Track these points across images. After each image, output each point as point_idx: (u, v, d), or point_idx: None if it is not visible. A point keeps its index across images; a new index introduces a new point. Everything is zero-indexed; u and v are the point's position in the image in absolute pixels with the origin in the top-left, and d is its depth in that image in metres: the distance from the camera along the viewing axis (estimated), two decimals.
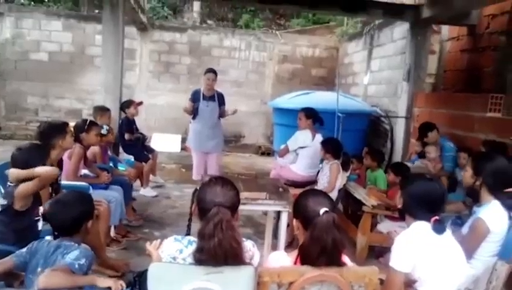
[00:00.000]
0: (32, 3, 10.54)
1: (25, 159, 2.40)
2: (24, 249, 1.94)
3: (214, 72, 5.57)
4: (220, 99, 5.64)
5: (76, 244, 1.98)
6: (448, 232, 1.98)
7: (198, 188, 1.78)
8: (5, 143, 8.21)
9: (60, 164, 3.13)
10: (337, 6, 6.42)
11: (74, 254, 1.89)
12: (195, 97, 5.61)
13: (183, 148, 9.44)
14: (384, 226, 3.83)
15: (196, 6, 11.58)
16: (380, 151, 5.35)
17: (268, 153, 9.66)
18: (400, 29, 7.11)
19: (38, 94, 9.47)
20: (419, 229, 1.97)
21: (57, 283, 1.73)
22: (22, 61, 9.28)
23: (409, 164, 4.54)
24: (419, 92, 6.19)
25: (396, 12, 6.43)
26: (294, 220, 1.79)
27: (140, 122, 6.88)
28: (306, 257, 1.66)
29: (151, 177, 5.81)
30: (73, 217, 2.03)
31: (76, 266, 1.85)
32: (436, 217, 1.93)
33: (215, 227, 1.55)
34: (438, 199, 2.04)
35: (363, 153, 5.06)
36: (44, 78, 9.35)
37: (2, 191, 2.72)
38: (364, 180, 4.81)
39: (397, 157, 6.34)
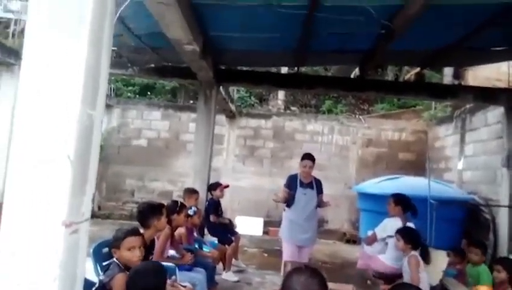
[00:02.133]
0: (137, 96, 11.95)
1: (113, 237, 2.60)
2: None
3: (312, 158, 5.00)
4: (319, 187, 5.06)
5: None
6: None
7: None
8: (103, 222, 8.84)
9: (152, 244, 3.28)
10: (424, 92, 6.37)
11: None
12: (291, 183, 5.03)
13: (265, 232, 9.42)
14: None
15: (281, 94, 12.22)
16: (483, 243, 4.81)
17: (353, 240, 9.18)
18: (494, 113, 6.74)
19: (136, 177, 10.30)
20: None
21: None
22: (125, 147, 10.32)
23: None
24: None
25: (488, 97, 6.19)
26: None
27: (225, 203, 7.09)
28: None
29: (233, 261, 5.79)
30: (147, 287, 2.12)
31: None
32: None
33: None
34: None
35: (462, 245, 4.59)
36: (142, 162, 10.21)
37: (99, 269, 2.89)
38: (465, 276, 4.31)
39: (502, 250, 5.66)
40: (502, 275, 3.56)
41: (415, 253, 3.81)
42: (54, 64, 1.70)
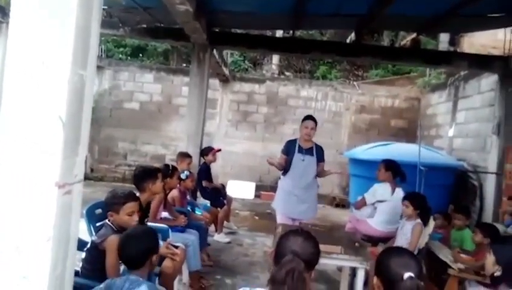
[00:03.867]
0: (129, 58, 11.73)
1: (111, 200, 2.61)
2: (102, 285, 2.05)
3: (314, 119, 4.56)
4: (319, 154, 4.58)
5: (141, 279, 2.04)
6: None
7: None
8: (96, 184, 8.90)
9: (148, 207, 3.33)
10: (420, 58, 6.32)
11: (142, 288, 1.95)
12: (289, 148, 4.56)
13: (257, 196, 9.57)
14: None
15: (275, 59, 12.06)
16: (467, 208, 4.94)
17: (343, 205, 9.38)
18: (488, 81, 6.75)
19: (128, 140, 10.28)
20: None
21: None
22: (117, 109, 10.23)
23: (500, 227, 4.12)
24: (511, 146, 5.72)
25: (483, 64, 6.17)
26: (375, 278, 1.69)
27: (217, 168, 7.15)
28: None
29: (225, 223, 5.91)
30: (139, 250, 2.13)
31: None
32: None
33: (287, 274, 1.51)
34: None
35: (449, 210, 4.70)
36: (134, 125, 10.17)
37: (92, 230, 2.93)
38: (449, 240, 4.45)
39: (487, 216, 5.82)
40: (478, 238, 3.68)
41: (420, 221, 3.83)
42: (43, 24, 1.65)
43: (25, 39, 1.66)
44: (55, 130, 1.64)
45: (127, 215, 2.56)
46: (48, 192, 1.64)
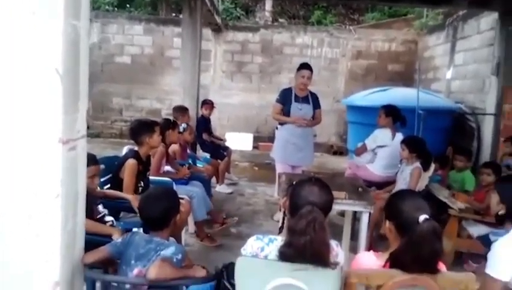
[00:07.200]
0: (116, 9, 11.28)
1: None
2: (119, 240, 2.06)
3: (309, 68, 4.51)
4: (315, 101, 4.61)
5: (167, 241, 2.04)
6: None
7: (294, 183, 1.77)
8: (93, 141, 8.85)
9: (148, 161, 3.32)
10: None
11: (171, 249, 1.96)
12: (284, 98, 4.55)
13: (255, 147, 9.60)
14: (477, 230, 3.52)
15: (268, 5, 11.66)
16: (468, 150, 4.98)
17: (340, 152, 9.45)
18: (488, 20, 6.57)
19: (122, 95, 10.12)
20: None
21: (167, 273, 1.82)
22: (108, 64, 9.98)
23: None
24: (510, 86, 5.66)
25: (483, 2, 5.97)
26: (388, 222, 1.69)
27: (214, 121, 7.08)
28: (398, 263, 1.56)
29: (225, 174, 5.96)
30: (163, 211, 2.08)
31: (175, 260, 1.93)
32: None
33: (308, 225, 1.52)
34: None
35: (447, 152, 4.74)
36: (127, 80, 9.97)
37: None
38: (446, 181, 4.52)
39: (485, 157, 5.88)
40: (491, 178, 3.67)
41: (419, 165, 3.85)
42: None
43: None
44: (53, 84, 1.58)
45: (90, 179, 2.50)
46: (52, 149, 1.61)
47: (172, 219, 2.12)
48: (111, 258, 2.06)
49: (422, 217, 1.53)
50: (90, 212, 2.49)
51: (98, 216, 2.63)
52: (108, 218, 2.67)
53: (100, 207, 2.71)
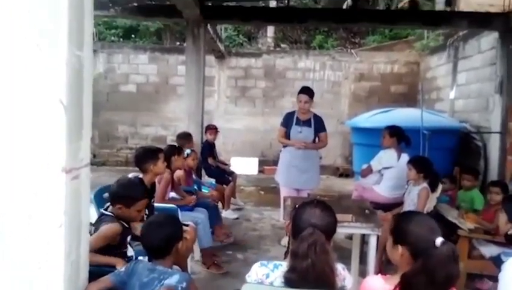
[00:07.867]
0: (121, 39, 11.52)
1: (125, 193, 2.48)
2: (122, 269, 2.03)
3: (308, 93, 4.54)
4: (318, 124, 4.62)
5: (170, 270, 1.99)
6: None
7: (297, 206, 1.74)
8: (99, 169, 8.88)
9: (153, 188, 3.31)
10: (418, 20, 6.19)
11: (175, 278, 1.91)
12: (287, 121, 4.65)
13: (260, 171, 9.57)
14: (489, 250, 3.43)
15: (270, 31, 11.84)
16: (476, 169, 4.93)
17: (346, 174, 9.40)
18: (488, 39, 6.62)
19: (128, 123, 10.21)
20: None
21: None
22: (113, 93, 10.12)
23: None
24: None
25: (483, 22, 6.03)
26: (400, 247, 1.59)
27: (218, 145, 7.12)
28: (409, 287, 1.49)
29: (231, 199, 5.92)
30: (164, 238, 2.03)
31: (180, 289, 1.88)
32: None
33: (309, 248, 1.50)
34: None
35: (454, 172, 4.70)
36: (132, 108, 10.08)
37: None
38: (455, 201, 4.46)
39: (493, 176, 5.81)
40: (499, 197, 3.60)
41: (426, 185, 3.80)
42: (34, 4, 1.58)
43: (15, 22, 1.59)
44: (57, 114, 1.60)
45: (137, 211, 2.48)
46: (55, 178, 1.61)
47: (175, 247, 2.05)
48: (114, 288, 2.02)
49: (439, 241, 1.46)
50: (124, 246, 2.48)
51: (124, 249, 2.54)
52: (130, 252, 2.57)
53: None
